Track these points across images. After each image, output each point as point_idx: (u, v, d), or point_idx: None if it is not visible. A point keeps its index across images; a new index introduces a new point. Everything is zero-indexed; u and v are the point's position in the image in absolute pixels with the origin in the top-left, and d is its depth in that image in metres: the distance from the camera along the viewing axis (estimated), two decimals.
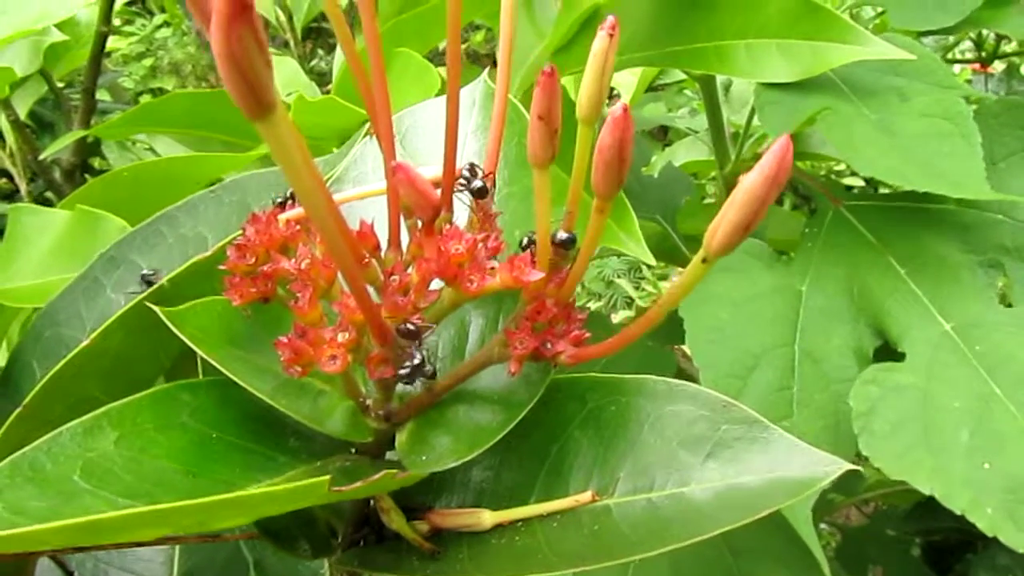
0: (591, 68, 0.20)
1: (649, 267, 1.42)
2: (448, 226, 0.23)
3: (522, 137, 0.31)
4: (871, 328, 0.62)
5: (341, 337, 0.22)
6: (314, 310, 0.23)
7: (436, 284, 0.23)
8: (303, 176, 0.17)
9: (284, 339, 0.22)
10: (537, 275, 0.22)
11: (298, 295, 0.23)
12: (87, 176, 0.95)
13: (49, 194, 1.01)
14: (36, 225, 0.58)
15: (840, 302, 0.63)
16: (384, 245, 0.25)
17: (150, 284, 0.24)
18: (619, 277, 1.32)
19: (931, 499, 0.51)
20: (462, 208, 0.27)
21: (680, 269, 1.36)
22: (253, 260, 0.24)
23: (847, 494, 1.06)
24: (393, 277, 0.22)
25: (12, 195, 0.93)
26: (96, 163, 1.09)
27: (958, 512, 0.51)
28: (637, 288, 1.44)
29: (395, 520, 0.28)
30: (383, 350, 0.22)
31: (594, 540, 0.25)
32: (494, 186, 0.26)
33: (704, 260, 0.19)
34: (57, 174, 0.81)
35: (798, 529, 0.57)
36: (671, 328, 0.67)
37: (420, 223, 0.22)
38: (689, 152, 1.04)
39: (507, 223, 0.28)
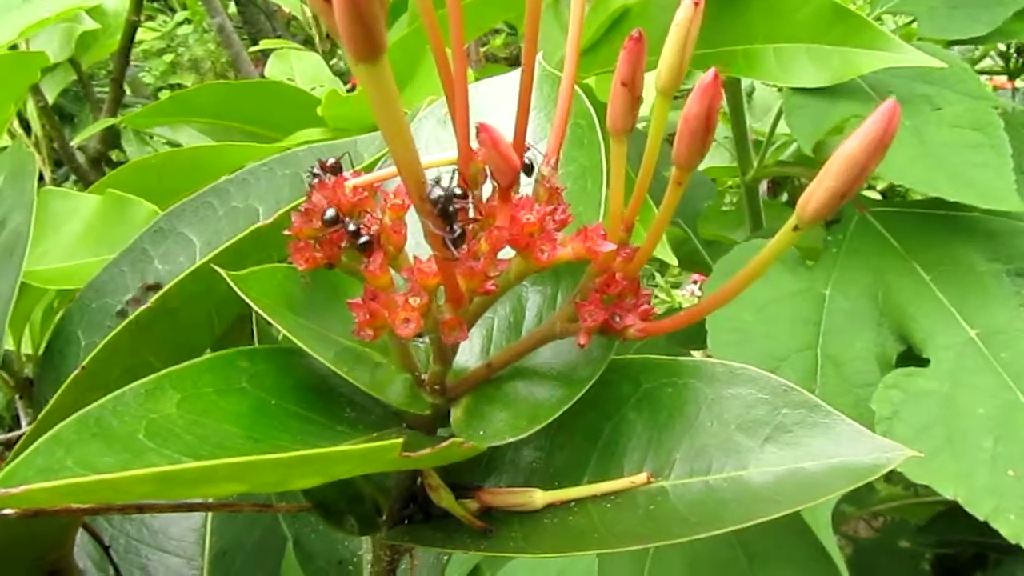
0: (673, 38, 0.20)
1: (662, 275, 1.42)
2: (517, 196, 0.23)
3: (578, 118, 0.31)
4: (894, 333, 0.62)
5: (413, 301, 0.22)
6: (385, 274, 0.23)
7: (504, 254, 0.23)
8: (400, 121, 0.16)
9: (358, 301, 0.22)
10: (609, 246, 0.22)
11: (367, 260, 0.23)
12: (107, 168, 0.95)
13: (67, 184, 1.01)
14: (66, 209, 0.58)
15: (864, 307, 0.63)
16: None
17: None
18: None
19: (948, 512, 0.51)
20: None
21: (696, 277, 1.37)
22: (319, 225, 0.24)
23: (858, 506, 1.05)
24: (464, 247, 0.22)
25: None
26: (114, 155, 1.10)
27: (981, 518, 0.51)
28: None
29: (444, 498, 0.28)
30: (457, 314, 0.22)
31: (650, 520, 0.25)
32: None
33: (795, 228, 0.19)
34: (82, 161, 0.81)
35: (817, 532, 0.56)
36: (691, 331, 0.67)
37: (495, 189, 0.22)
38: (711, 158, 1.04)
39: None
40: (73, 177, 0.90)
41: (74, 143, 0.76)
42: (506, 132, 0.25)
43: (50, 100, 0.80)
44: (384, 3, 0.14)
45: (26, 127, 0.84)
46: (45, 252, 0.58)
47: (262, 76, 1.00)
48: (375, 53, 0.14)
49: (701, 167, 1.00)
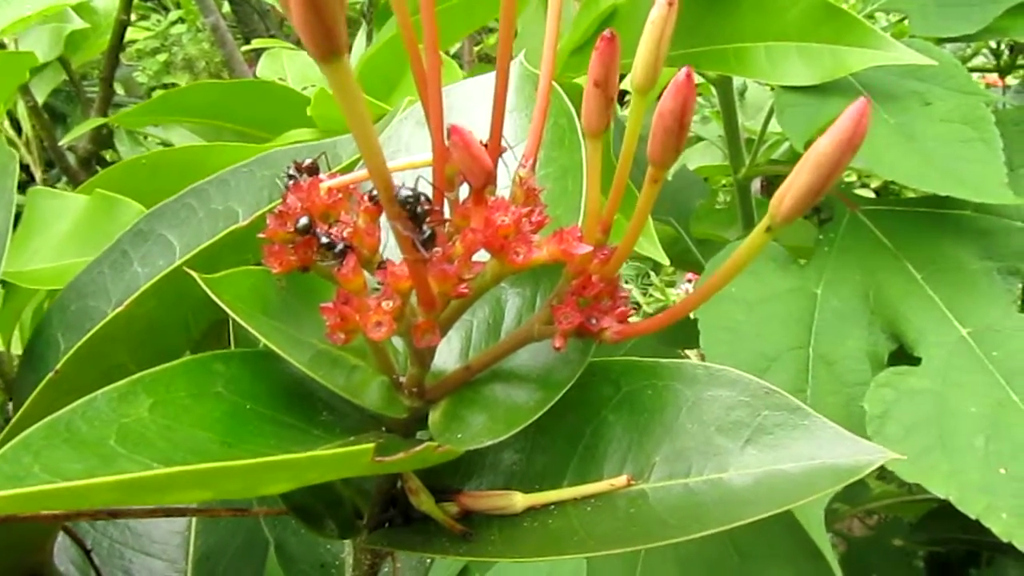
0: (648, 36, 0.20)
1: (656, 273, 1.42)
2: (492, 198, 0.23)
3: (558, 118, 0.30)
4: (886, 332, 0.61)
5: (386, 305, 0.22)
6: (358, 277, 0.22)
7: (480, 257, 0.23)
8: (365, 123, 0.16)
9: (329, 305, 0.22)
10: (585, 248, 0.22)
11: (340, 263, 0.22)
12: (98, 168, 0.94)
13: (60, 186, 1.01)
14: (54, 209, 0.58)
15: (855, 305, 0.63)
16: None
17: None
18: (626, 283, 1.32)
19: (942, 510, 0.51)
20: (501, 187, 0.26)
21: (690, 275, 1.36)
22: (293, 228, 0.24)
23: (852, 504, 1.05)
24: (436, 249, 0.22)
25: (26, 184, 0.93)
26: (108, 155, 1.09)
27: (973, 517, 0.51)
28: (645, 294, 1.44)
29: (424, 502, 0.28)
30: (429, 318, 0.22)
31: (630, 524, 0.25)
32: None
33: (768, 228, 0.19)
34: (72, 162, 0.81)
35: (810, 531, 0.56)
36: (683, 331, 0.67)
37: (469, 191, 0.22)
38: (703, 157, 1.04)
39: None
40: (65, 178, 0.90)
41: (63, 143, 0.76)
42: (483, 133, 0.25)
43: (40, 100, 0.79)
44: (344, 5, 0.14)
45: (17, 128, 0.84)
46: (36, 252, 0.58)
47: (255, 76, 0.99)
48: (335, 52, 0.14)
49: (693, 166, 1.00)
